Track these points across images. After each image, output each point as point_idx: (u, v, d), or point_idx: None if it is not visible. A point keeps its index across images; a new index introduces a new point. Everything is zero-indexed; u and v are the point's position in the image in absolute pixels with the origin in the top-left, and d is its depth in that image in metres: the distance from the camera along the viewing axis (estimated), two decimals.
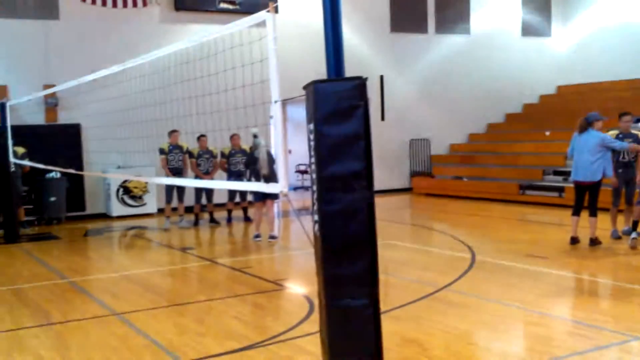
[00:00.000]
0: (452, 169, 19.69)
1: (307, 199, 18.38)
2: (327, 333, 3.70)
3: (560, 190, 15.23)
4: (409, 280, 8.32)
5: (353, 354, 3.66)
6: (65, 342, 6.35)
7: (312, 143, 3.62)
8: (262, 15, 4.16)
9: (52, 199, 14.93)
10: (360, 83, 3.47)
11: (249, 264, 9.95)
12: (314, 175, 3.63)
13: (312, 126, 3.59)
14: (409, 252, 10.40)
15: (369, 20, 19.41)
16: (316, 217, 3.65)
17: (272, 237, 11.65)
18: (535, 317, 6.64)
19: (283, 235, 12.92)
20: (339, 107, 3.48)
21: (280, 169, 4.21)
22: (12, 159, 12.78)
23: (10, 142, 12.68)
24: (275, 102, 4.08)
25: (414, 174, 20.37)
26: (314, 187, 3.65)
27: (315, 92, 3.52)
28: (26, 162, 13.33)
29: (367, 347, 3.65)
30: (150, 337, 6.34)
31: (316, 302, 7.17)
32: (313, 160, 3.63)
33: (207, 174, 13.90)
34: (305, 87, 3.66)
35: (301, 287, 8.53)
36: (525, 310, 6.89)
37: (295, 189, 20.29)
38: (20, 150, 13.60)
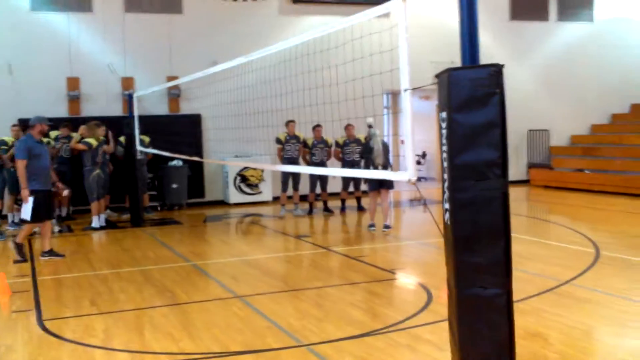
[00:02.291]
0: (573, 160, 18.97)
1: (422, 189, 18.26)
2: (457, 322, 3.68)
3: None
4: (531, 274, 8.11)
5: (483, 344, 3.62)
6: (191, 321, 6.62)
7: (444, 131, 3.61)
8: (392, 4, 4.17)
9: (174, 186, 15.57)
10: (496, 70, 3.42)
11: (363, 253, 10.02)
12: (446, 164, 3.62)
13: (445, 114, 3.57)
14: (528, 245, 10.14)
15: (488, 8, 18.91)
16: (447, 206, 3.64)
17: (386, 227, 11.69)
18: None
19: (396, 226, 12.92)
20: (474, 95, 3.44)
21: (408, 157, 4.22)
22: (139, 147, 13.41)
23: (137, 131, 13.31)
24: (405, 90, 4.08)
25: (531, 166, 19.81)
26: (445, 176, 3.64)
27: (450, 79, 3.50)
28: (152, 150, 13.95)
29: (498, 338, 3.60)
30: (272, 320, 6.51)
31: (434, 292, 7.21)
32: (445, 148, 3.61)
33: (322, 164, 14.06)
34: (438, 75, 3.65)
35: (418, 276, 8.52)
36: None
37: None
38: (147, 139, 14.29)
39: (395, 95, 18.40)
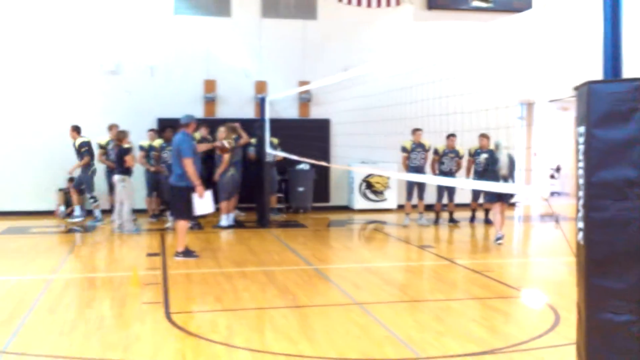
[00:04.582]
0: None
1: (555, 204, 17.59)
2: (585, 347, 3.48)
3: None
4: None
5: None
6: (310, 325, 6.67)
7: (581, 146, 3.43)
8: (531, 12, 4.02)
9: (301, 189, 15.81)
10: None
11: (488, 267, 9.74)
12: (581, 181, 3.43)
13: (582, 129, 3.39)
14: None
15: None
16: (581, 225, 3.45)
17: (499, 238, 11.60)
18: None
19: (525, 241, 12.52)
20: (616, 110, 3.25)
21: (539, 173, 4.04)
22: (268, 150, 13.72)
23: (267, 133, 13.62)
24: (541, 103, 3.91)
25: None
26: (580, 193, 3.45)
27: (590, 93, 3.31)
28: (280, 153, 14.24)
29: None
30: (391, 330, 6.45)
31: (562, 313, 6.89)
32: (581, 164, 3.43)
33: (450, 173, 13.83)
34: (577, 88, 3.47)
35: (545, 296, 8.17)
36: None
37: None
38: (275, 140, 14.62)
39: (530, 105, 17.82)
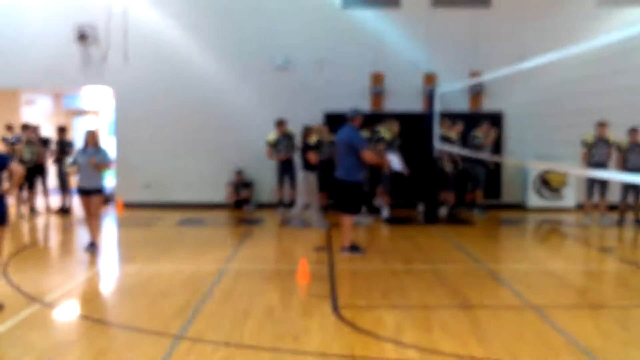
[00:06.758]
0: None
1: None
2: None
3: None
4: None
5: None
6: (481, 326, 6.37)
7: None
8: None
9: (469, 184, 15.29)
10: None
11: None
12: None
13: None
14: None
15: None
16: None
17: None
18: None
19: None
20: None
21: None
22: (436, 145, 13.38)
23: (437, 127, 13.27)
24: None
25: None
26: None
27: None
28: (452, 148, 13.82)
29: None
30: (569, 336, 6.03)
31: None
32: None
33: (636, 171, 12.77)
34: None
35: None
36: None
37: None
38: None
39: None
